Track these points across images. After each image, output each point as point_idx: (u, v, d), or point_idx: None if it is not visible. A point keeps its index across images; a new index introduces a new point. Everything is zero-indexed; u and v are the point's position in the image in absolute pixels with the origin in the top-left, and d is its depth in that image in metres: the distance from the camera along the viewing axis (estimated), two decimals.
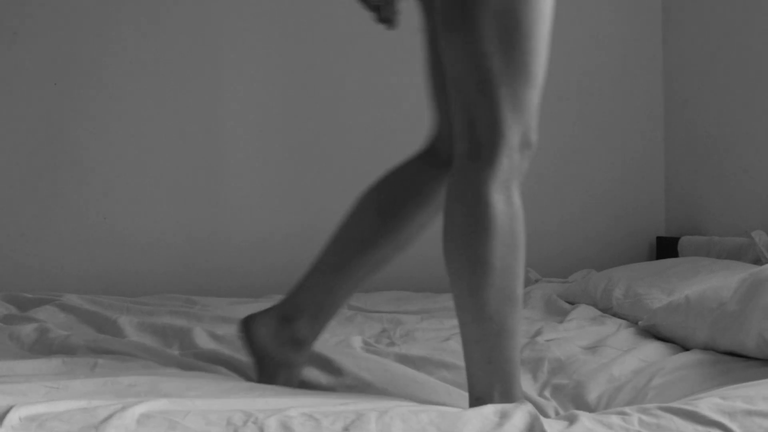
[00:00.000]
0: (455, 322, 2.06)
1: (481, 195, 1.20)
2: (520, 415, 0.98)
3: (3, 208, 2.77)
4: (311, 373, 1.46)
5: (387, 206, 1.41)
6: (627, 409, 1.02)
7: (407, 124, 3.04)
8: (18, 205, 2.78)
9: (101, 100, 2.83)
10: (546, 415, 1.31)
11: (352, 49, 2.99)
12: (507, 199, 1.21)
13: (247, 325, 1.42)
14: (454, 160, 1.26)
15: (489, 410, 1.01)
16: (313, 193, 2.97)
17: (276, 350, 1.39)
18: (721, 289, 1.68)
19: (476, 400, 1.23)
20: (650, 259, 3.11)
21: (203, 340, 1.83)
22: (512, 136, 1.21)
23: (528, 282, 2.74)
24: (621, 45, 3.22)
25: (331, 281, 1.41)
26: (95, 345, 1.66)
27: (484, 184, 1.20)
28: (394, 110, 3.02)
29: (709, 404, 1.00)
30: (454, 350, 1.70)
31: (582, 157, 3.17)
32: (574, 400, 1.42)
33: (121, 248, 2.83)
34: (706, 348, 1.61)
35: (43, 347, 1.70)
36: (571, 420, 0.99)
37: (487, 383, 1.22)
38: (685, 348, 1.68)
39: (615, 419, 0.98)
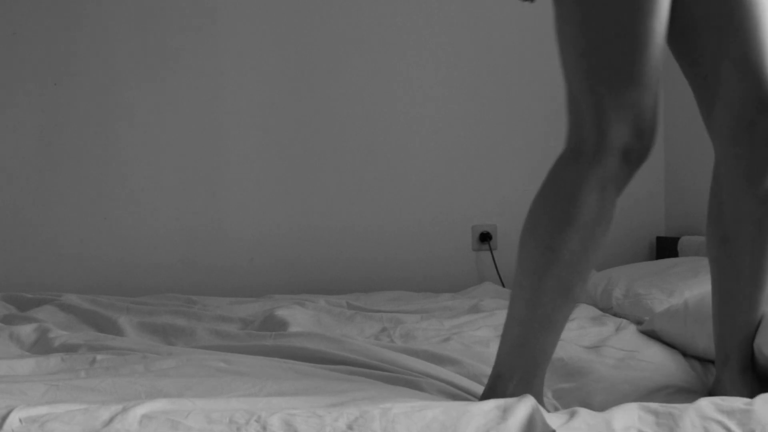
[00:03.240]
0: (455, 322, 2.08)
1: (574, 192, 1.19)
2: (522, 409, 0.99)
3: (3, 207, 2.77)
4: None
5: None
6: (627, 406, 1.02)
7: (406, 124, 3.05)
8: (18, 205, 2.78)
9: (101, 100, 2.84)
10: None
11: (352, 49, 2.99)
12: (599, 201, 1.19)
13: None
14: (563, 150, 1.25)
15: (491, 405, 1.01)
16: (314, 192, 2.97)
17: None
18: None
19: (496, 377, 1.24)
20: (650, 259, 3.11)
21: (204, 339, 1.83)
22: (615, 137, 1.18)
23: None
24: None
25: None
26: (96, 344, 1.66)
27: (581, 182, 1.19)
28: (394, 110, 3.03)
29: (708, 402, 1.00)
30: (454, 350, 1.70)
31: None
32: (578, 404, 1.42)
33: (121, 248, 2.83)
34: (705, 355, 1.60)
35: (44, 347, 1.70)
36: (572, 414, 1.00)
37: (513, 364, 1.22)
38: (685, 354, 1.68)
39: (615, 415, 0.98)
